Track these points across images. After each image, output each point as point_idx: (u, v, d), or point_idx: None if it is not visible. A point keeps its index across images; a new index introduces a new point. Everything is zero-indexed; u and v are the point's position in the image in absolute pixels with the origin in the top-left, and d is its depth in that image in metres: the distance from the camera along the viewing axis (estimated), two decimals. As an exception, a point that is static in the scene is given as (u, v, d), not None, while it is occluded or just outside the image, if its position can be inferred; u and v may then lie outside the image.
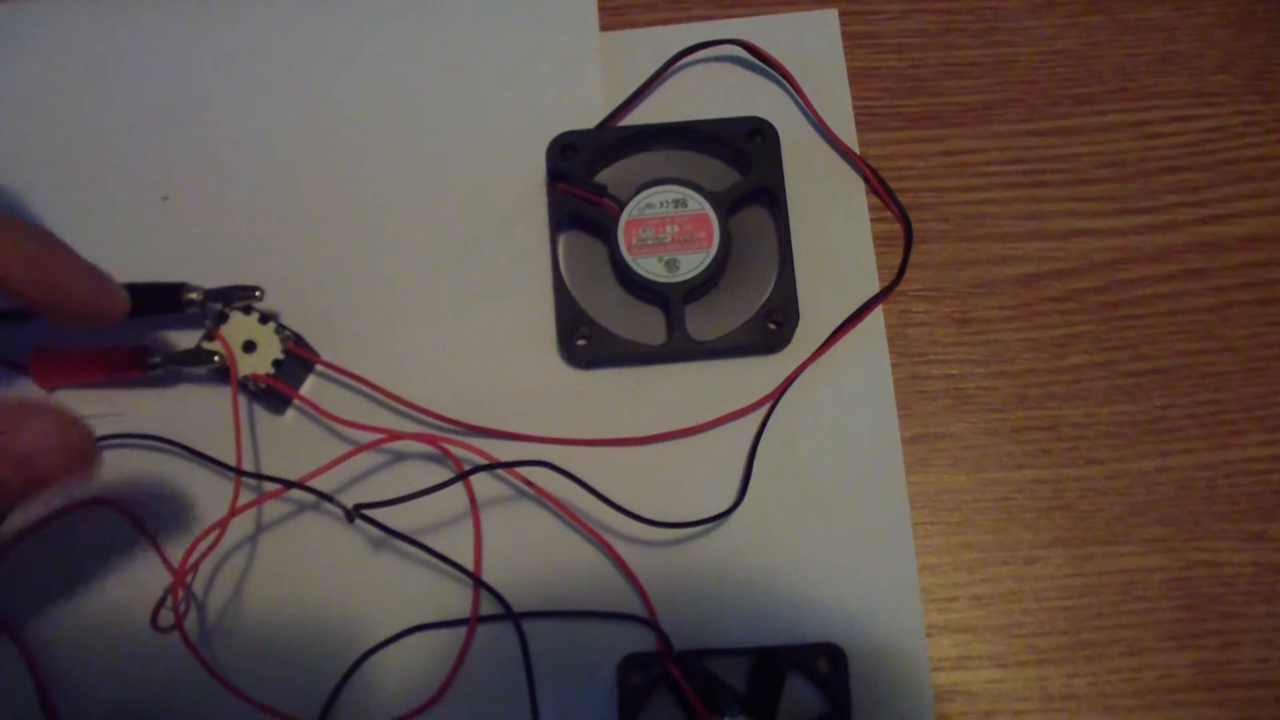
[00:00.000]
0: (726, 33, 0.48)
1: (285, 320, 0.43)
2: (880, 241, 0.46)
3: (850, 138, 0.47)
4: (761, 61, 0.47)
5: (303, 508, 0.43)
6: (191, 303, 0.42)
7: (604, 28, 0.49)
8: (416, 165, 0.47)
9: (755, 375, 0.44)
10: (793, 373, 0.43)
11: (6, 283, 0.35)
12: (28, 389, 0.43)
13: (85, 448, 0.34)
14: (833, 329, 0.44)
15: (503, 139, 0.47)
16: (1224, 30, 0.48)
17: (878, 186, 0.46)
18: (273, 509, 0.43)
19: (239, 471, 0.41)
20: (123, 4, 0.49)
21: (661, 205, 0.44)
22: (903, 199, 0.46)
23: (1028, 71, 0.48)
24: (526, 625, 0.41)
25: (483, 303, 0.45)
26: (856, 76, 0.48)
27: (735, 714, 0.39)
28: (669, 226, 0.44)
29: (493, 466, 0.41)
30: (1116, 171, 0.47)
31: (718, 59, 0.48)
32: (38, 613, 0.42)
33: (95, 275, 0.38)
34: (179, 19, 0.49)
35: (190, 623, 0.41)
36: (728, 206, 0.44)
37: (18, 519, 0.41)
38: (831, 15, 0.48)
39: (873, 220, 0.46)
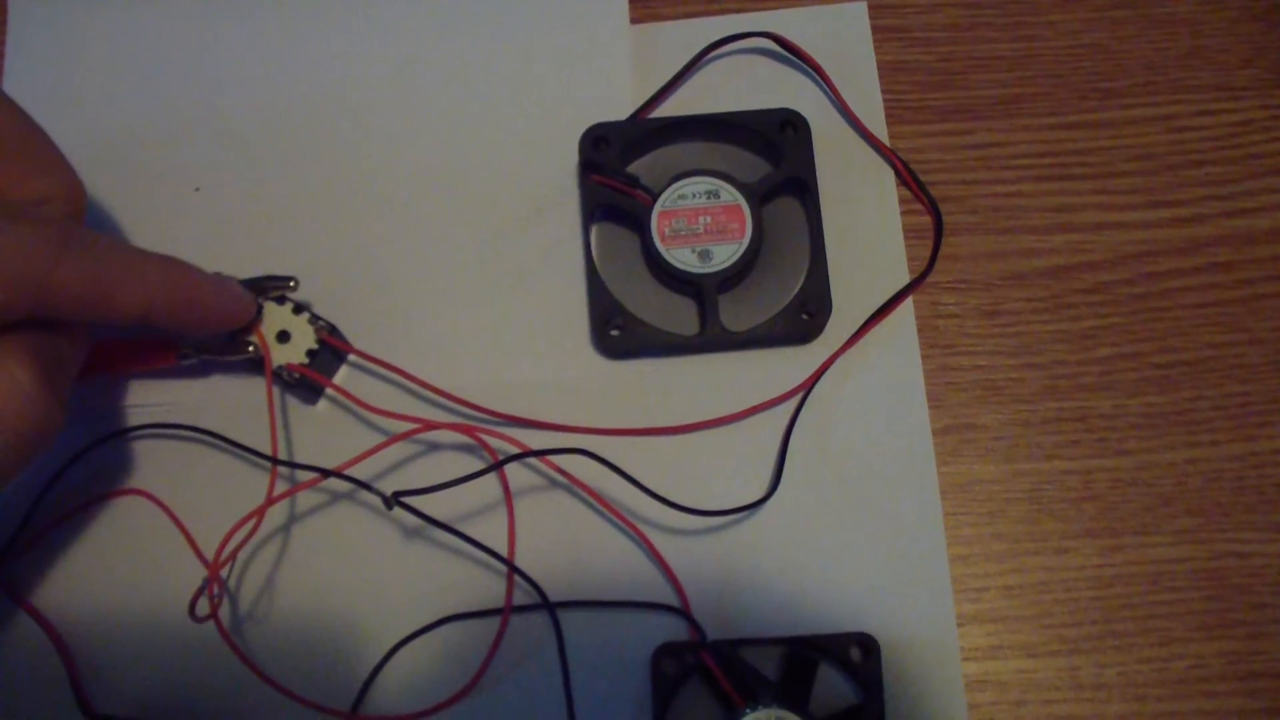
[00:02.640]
0: (757, 25, 0.48)
1: (319, 310, 0.43)
2: (910, 233, 0.46)
3: (880, 130, 0.47)
4: (792, 54, 0.47)
5: (336, 498, 0.43)
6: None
7: (635, 20, 0.49)
8: (449, 157, 0.47)
9: (788, 365, 0.44)
10: (825, 363, 0.44)
11: (151, 317, 0.36)
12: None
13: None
14: (864, 320, 0.44)
15: (535, 131, 0.47)
16: (1251, 24, 0.48)
17: (908, 178, 0.46)
18: (306, 499, 0.43)
19: (274, 460, 0.41)
20: (152, -6, 0.49)
21: (694, 196, 0.44)
22: (932, 191, 0.46)
23: (1055, 65, 0.48)
24: (560, 615, 0.41)
25: (516, 293, 0.45)
26: (886, 69, 0.48)
27: (768, 703, 0.39)
28: (702, 217, 0.44)
29: (528, 455, 0.42)
30: (1144, 165, 0.47)
31: (748, 51, 0.48)
32: (70, 602, 0.42)
33: (222, 287, 0.40)
34: (210, 9, 0.49)
35: (224, 611, 0.41)
36: (760, 198, 0.44)
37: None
38: (861, 9, 0.48)
39: (902, 212, 0.46)
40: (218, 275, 0.40)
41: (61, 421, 0.35)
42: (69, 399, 0.36)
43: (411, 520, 0.41)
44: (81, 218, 0.38)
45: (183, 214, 0.46)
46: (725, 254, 0.43)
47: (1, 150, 0.36)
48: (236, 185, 0.47)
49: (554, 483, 0.43)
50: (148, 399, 0.44)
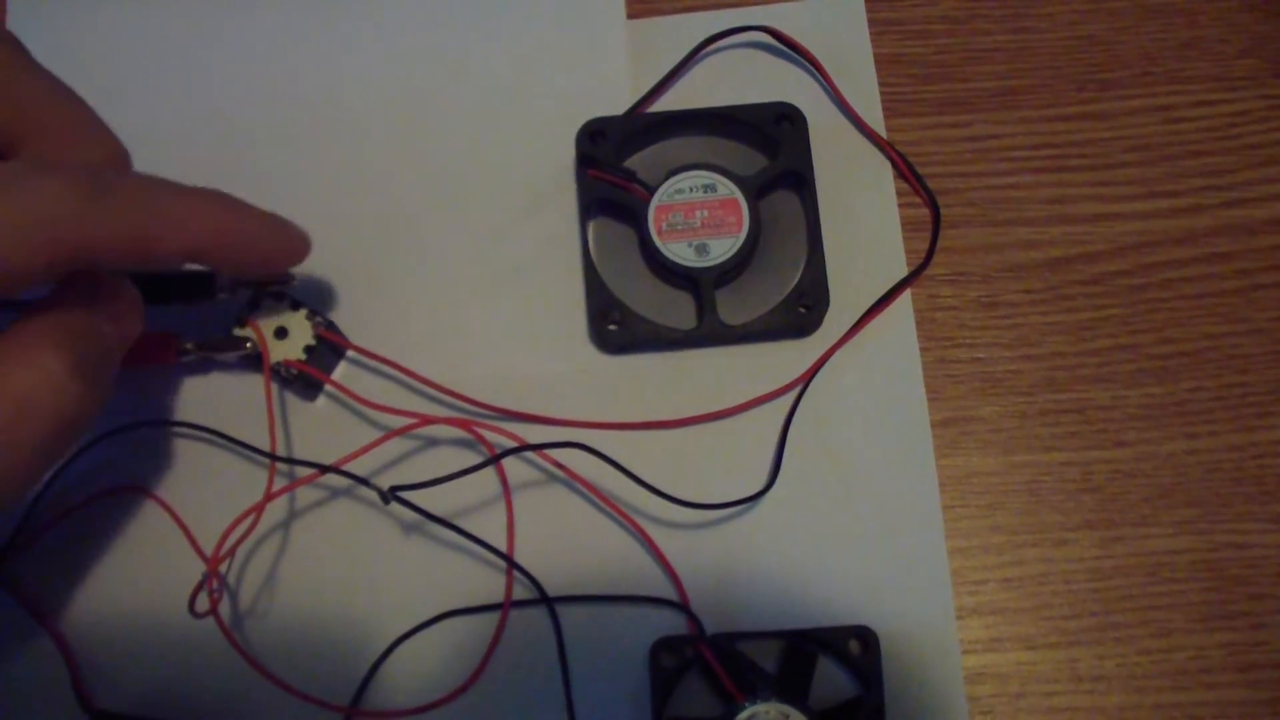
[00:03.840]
0: (753, 19, 0.48)
1: (317, 307, 0.43)
2: (908, 226, 0.46)
3: (877, 123, 0.47)
4: (788, 48, 0.47)
5: (335, 494, 0.43)
6: (222, 290, 0.42)
7: (631, 15, 0.49)
8: (446, 152, 0.47)
9: (785, 359, 0.44)
10: (822, 356, 0.44)
11: (200, 258, 0.35)
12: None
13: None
14: (862, 313, 0.44)
15: (532, 126, 0.47)
16: (1248, 15, 0.48)
17: (905, 171, 0.46)
18: (305, 495, 0.43)
19: (273, 456, 0.41)
20: (148, -7, 0.49)
21: (691, 190, 0.44)
22: (930, 184, 0.46)
23: (1052, 57, 0.48)
24: (558, 609, 0.42)
25: (513, 288, 0.45)
26: (883, 62, 0.48)
27: (767, 696, 0.39)
28: (698, 211, 0.44)
29: (526, 448, 0.42)
30: (1141, 156, 0.47)
31: (744, 45, 0.48)
32: (70, 600, 0.42)
33: (276, 224, 0.38)
34: (203, 9, 0.49)
35: (223, 608, 0.41)
36: (756, 191, 0.44)
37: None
38: (858, 2, 0.48)
39: (900, 205, 0.46)
40: (271, 213, 0.38)
41: (97, 410, 0.34)
42: (111, 384, 0.35)
43: (410, 516, 0.41)
44: None
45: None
46: (722, 248, 0.43)
47: (44, 121, 0.35)
48: (233, 182, 0.46)
49: (552, 478, 0.43)
50: (147, 396, 0.44)
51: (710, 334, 0.43)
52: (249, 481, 0.43)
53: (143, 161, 0.46)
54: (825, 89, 0.47)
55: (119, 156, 0.37)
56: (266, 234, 0.38)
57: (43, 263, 0.31)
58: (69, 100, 0.36)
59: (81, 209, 0.31)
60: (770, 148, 0.45)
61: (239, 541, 0.40)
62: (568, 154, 0.46)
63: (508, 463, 0.43)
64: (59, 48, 0.48)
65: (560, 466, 0.43)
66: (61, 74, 0.36)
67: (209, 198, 0.36)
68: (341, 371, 0.44)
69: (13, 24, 0.49)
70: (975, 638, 0.42)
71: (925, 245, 0.46)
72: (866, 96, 0.47)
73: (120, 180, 0.34)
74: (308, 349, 0.42)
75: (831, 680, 0.41)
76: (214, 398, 0.44)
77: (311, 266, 0.44)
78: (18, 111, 0.35)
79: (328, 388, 0.44)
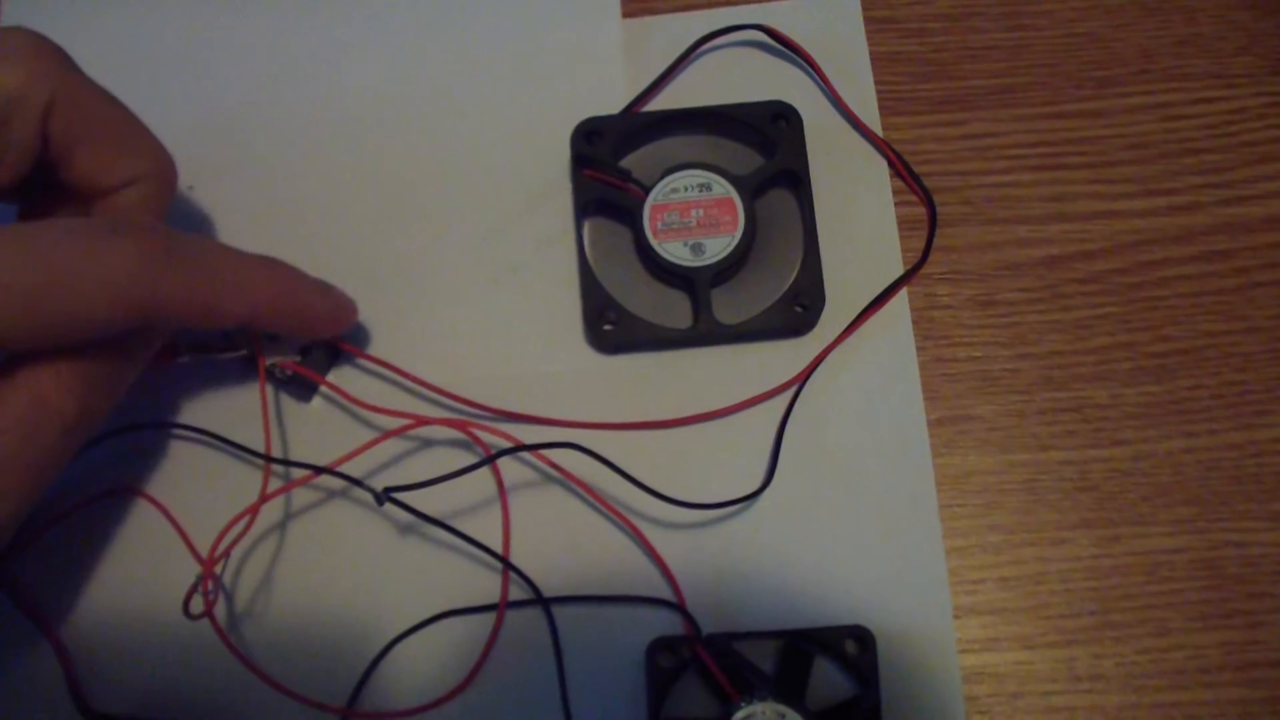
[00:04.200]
0: (748, 18, 0.48)
1: (311, 308, 0.43)
2: (904, 224, 0.46)
3: (874, 121, 0.47)
4: (784, 46, 0.47)
5: (331, 495, 0.43)
6: None
7: (626, 15, 0.49)
8: (440, 152, 0.47)
9: (781, 358, 0.44)
10: (818, 355, 0.44)
11: (255, 322, 0.37)
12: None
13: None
14: (858, 312, 0.44)
15: (527, 126, 0.47)
16: (1245, 12, 0.48)
17: (901, 170, 0.46)
18: (301, 496, 0.43)
19: (268, 458, 0.41)
20: (144, -6, 0.49)
21: (686, 189, 0.44)
22: (926, 182, 0.46)
23: (1049, 54, 0.48)
24: (554, 610, 0.41)
25: (508, 288, 0.45)
26: (879, 61, 0.48)
27: (764, 696, 0.39)
28: (694, 211, 0.44)
29: (520, 449, 0.41)
30: (1139, 153, 0.47)
31: (740, 44, 0.48)
32: (66, 602, 0.42)
33: (325, 291, 0.40)
34: (198, 14, 0.49)
35: (219, 610, 0.41)
36: (752, 190, 0.44)
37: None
38: (853, 0, 0.48)
39: (896, 203, 0.46)
40: (320, 280, 0.40)
41: (99, 425, 0.36)
42: (120, 395, 0.37)
43: (406, 517, 0.41)
44: (171, 195, 0.39)
45: (177, 212, 0.46)
46: (718, 247, 0.43)
47: (94, 133, 0.37)
48: (229, 184, 0.47)
49: (548, 478, 0.43)
50: (142, 398, 0.44)
51: (706, 334, 0.43)
52: (244, 483, 0.43)
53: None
54: (821, 87, 0.47)
55: (165, 167, 0.39)
56: (318, 301, 0.40)
57: (109, 318, 0.33)
58: (120, 112, 0.38)
59: (152, 272, 0.33)
60: (766, 147, 0.45)
61: (234, 543, 0.40)
62: (563, 153, 0.46)
63: (503, 463, 0.43)
64: (74, 42, 0.48)
65: (556, 467, 0.42)
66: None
67: (269, 266, 0.38)
68: (336, 373, 0.44)
69: (7, 21, 0.49)
70: (973, 637, 0.42)
71: (922, 244, 0.45)
72: (862, 95, 0.47)
73: (189, 247, 0.35)
74: (302, 350, 0.42)
75: (828, 680, 0.41)
76: (209, 400, 0.44)
77: (305, 267, 0.44)
78: (73, 124, 0.36)
79: (323, 389, 0.44)
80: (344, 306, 0.41)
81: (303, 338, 0.42)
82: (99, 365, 0.35)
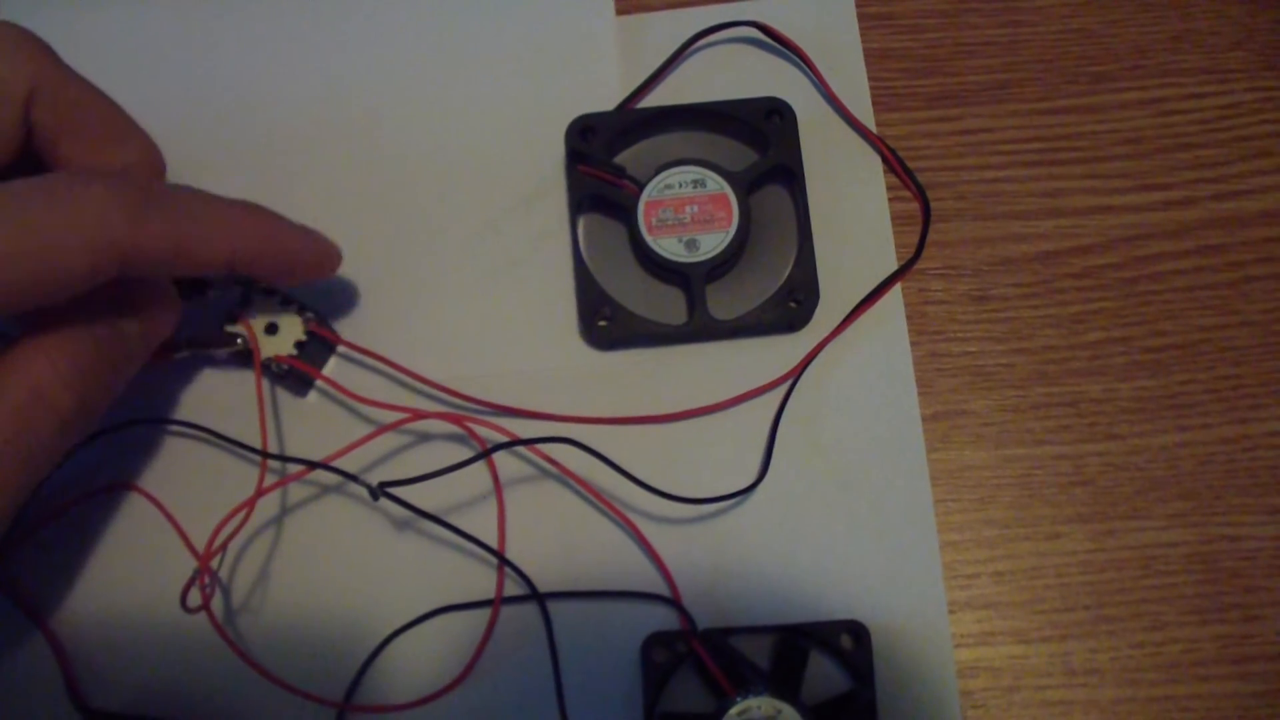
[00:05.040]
0: (742, 15, 0.48)
1: (307, 302, 0.43)
2: (898, 220, 0.46)
3: (867, 117, 0.47)
4: (778, 43, 0.47)
5: (327, 490, 0.43)
6: (213, 286, 0.42)
7: (620, 12, 0.49)
8: (435, 149, 0.47)
9: (776, 353, 0.44)
10: (813, 350, 0.44)
11: (237, 266, 0.37)
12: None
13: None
14: (852, 307, 0.44)
15: (521, 122, 0.47)
16: (1239, 7, 0.48)
17: (895, 165, 0.46)
18: (297, 491, 0.43)
19: (264, 453, 0.41)
20: (140, -8, 0.49)
21: (680, 186, 0.44)
22: (920, 178, 0.46)
23: (1043, 50, 0.48)
24: (550, 605, 0.42)
25: (503, 284, 0.45)
26: (873, 57, 0.48)
27: (760, 691, 0.39)
28: (688, 207, 0.44)
29: (516, 443, 0.42)
30: (1133, 149, 0.47)
31: (734, 41, 0.48)
32: (63, 598, 0.43)
33: (308, 235, 0.40)
34: (195, 13, 0.49)
35: (216, 604, 0.41)
36: (746, 186, 0.44)
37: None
38: (847, -5, 0.49)
39: (890, 199, 0.46)
40: (303, 225, 0.40)
41: (100, 413, 0.36)
42: (123, 383, 0.37)
43: (402, 512, 0.41)
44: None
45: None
46: (712, 243, 0.43)
47: (79, 123, 0.37)
48: (226, 180, 0.46)
49: (543, 473, 0.43)
50: (138, 393, 0.44)
51: (701, 329, 0.43)
52: (240, 478, 0.43)
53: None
54: (815, 84, 0.47)
55: (152, 156, 0.39)
56: (300, 245, 0.39)
57: (87, 268, 0.32)
58: (103, 103, 0.38)
59: (126, 216, 0.33)
60: (760, 143, 0.45)
61: (230, 537, 0.41)
62: (558, 150, 0.46)
63: (499, 459, 0.43)
64: (70, 41, 0.48)
65: (551, 462, 0.43)
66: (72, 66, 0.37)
67: (247, 209, 0.38)
68: (332, 367, 0.44)
69: (22, 18, 0.49)
70: (967, 631, 0.42)
71: (916, 239, 0.46)
72: (856, 91, 0.47)
73: (163, 190, 0.35)
74: (299, 344, 0.42)
75: (824, 675, 0.41)
76: (205, 394, 0.44)
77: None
78: (56, 113, 0.36)
79: (319, 383, 0.44)
80: (327, 250, 0.40)
81: (287, 281, 0.41)
82: (97, 360, 0.35)
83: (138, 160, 0.38)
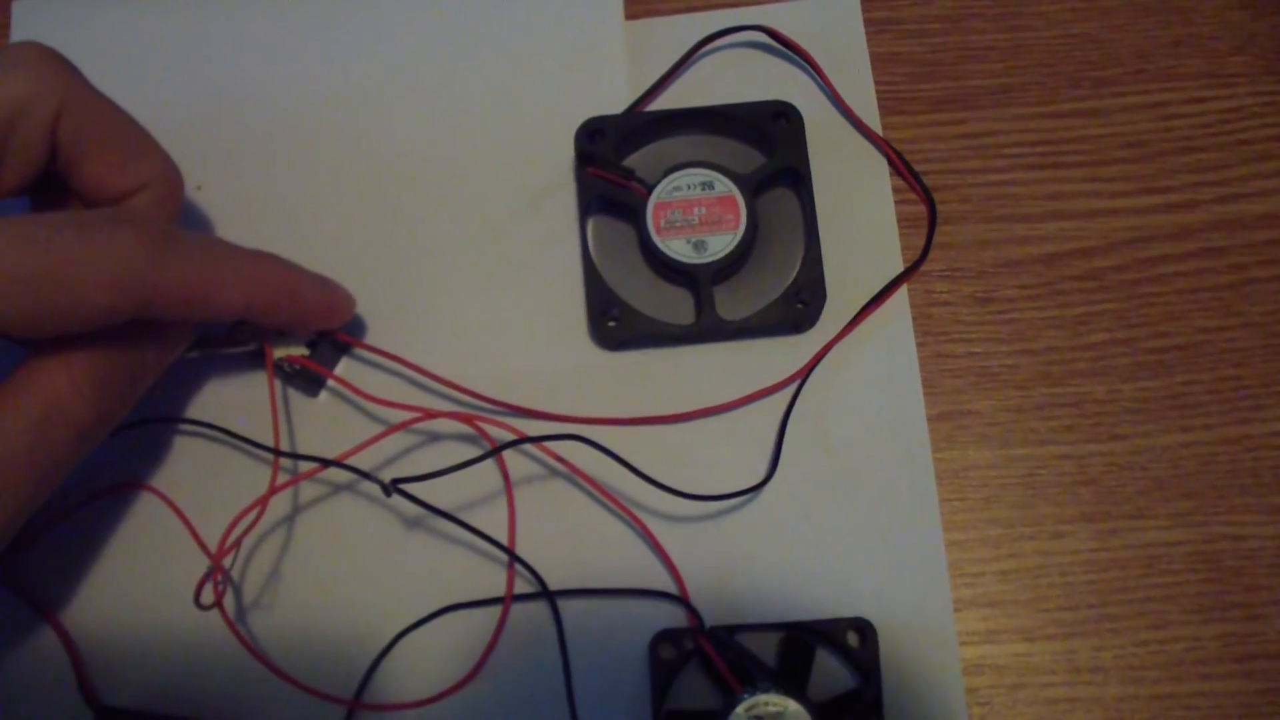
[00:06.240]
0: (749, 19, 0.48)
1: (318, 304, 0.44)
2: (904, 222, 0.46)
3: (873, 121, 0.47)
4: (785, 47, 0.48)
5: (338, 488, 0.44)
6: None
7: (629, 16, 0.49)
8: (446, 152, 0.47)
9: (783, 354, 0.44)
10: (820, 351, 0.44)
11: (251, 314, 0.38)
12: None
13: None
14: (858, 308, 0.45)
15: (531, 125, 0.47)
16: (1240, 12, 0.49)
17: (901, 168, 0.47)
18: (308, 490, 0.44)
19: (276, 451, 0.41)
20: (152, -5, 0.50)
21: (689, 188, 0.44)
22: (925, 181, 0.46)
23: (1046, 55, 0.49)
24: (559, 602, 0.42)
25: (513, 285, 0.46)
26: (878, 61, 0.48)
27: (766, 688, 0.39)
28: (696, 208, 0.44)
29: (526, 441, 0.42)
30: (1135, 152, 0.47)
31: (741, 45, 0.49)
32: (75, 596, 0.43)
33: (322, 284, 0.41)
34: (205, 7, 0.49)
35: (227, 602, 0.41)
36: (754, 188, 0.44)
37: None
38: (853, 1, 0.49)
39: (896, 201, 0.47)
40: (318, 275, 0.41)
41: (114, 426, 0.38)
42: (137, 399, 0.38)
43: (413, 510, 0.42)
44: (179, 202, 0.40)
45: (186, 212, 0.46)
46: (720, 244, 0.44)
47: (100, 140, 0.38)
48: (237, 183, 0.47)
49: (553, 472, 0.43)
50: (150, 393, 0.44)
51: (708, 330, 0.44)
52: (252, 476, 0.43)
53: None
54: (822, 87, 0.48)
55: (171, 174, 0.39)
56: (315, 296, 0.41)
57: (107, 304, 0.34)
58: (125, 121, 0.39)
59: (150, 259, 0.34)
60: (767, 145, 0.46)
61: (243, 535, 0.41)
62: (567, 152, 0.46)
63: (509, 457, 0.43)
64: (81, 41, 0.49)
65: (561, 460, 0.43)
66: (82, 66, 0.38)
67: (265, 259, 0.39)
68: (343, 367, 0.45)
69: (16, 28, 0.49)
70: (973, 629, 0.42)
71: (921, 241, 0.46)
72: (863, 94, 0.48)
73: (186, 237, 0.36)
74: (310, 345, 0.43)
75: (830, 672, 0.41)
76: (217, 394, 0.45)
77: (313, 263, 0.44)
78: (81, 132, 0.37)
79: (330, 383, 0.44)
80: (340, 299, 0.42)
81: (300, 331, 0.42)
82: (115, 372, 0.36)
83: (158, 179, 0.39)
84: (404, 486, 0.39)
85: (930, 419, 0.44)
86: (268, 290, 0.38)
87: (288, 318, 0.40)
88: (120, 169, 0.38)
